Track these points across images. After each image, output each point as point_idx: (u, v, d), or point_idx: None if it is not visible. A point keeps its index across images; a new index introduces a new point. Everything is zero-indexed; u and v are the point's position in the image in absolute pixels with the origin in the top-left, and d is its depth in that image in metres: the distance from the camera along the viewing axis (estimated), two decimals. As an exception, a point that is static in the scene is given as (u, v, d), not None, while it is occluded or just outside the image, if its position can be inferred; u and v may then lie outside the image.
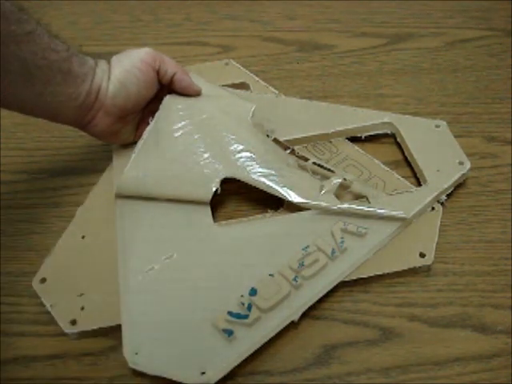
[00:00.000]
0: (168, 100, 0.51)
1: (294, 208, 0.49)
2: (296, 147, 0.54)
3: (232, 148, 0.49)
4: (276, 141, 0.53)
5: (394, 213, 0.47)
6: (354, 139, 0.56)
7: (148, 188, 0.49)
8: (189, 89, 0.51)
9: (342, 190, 0.48)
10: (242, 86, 0.62)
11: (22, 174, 0.55)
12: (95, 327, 0.42)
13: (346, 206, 0.47)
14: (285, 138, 0.54)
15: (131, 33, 0.73)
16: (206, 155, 0.49)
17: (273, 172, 0.48)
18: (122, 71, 0.48)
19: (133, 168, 0.49)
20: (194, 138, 0.50)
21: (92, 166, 0.55)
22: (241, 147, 0.49)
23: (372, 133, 0.56)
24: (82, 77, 0.47)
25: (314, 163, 0.51)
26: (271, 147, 0.51)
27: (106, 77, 0.48)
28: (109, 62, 0.49)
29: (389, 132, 0.56)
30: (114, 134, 0.51)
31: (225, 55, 0.68)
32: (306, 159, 0.51)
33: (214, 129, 0.50)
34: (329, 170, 0.50)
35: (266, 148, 0.50)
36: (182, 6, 0.76)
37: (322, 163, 0.51)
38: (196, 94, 0.52)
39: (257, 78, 0.62)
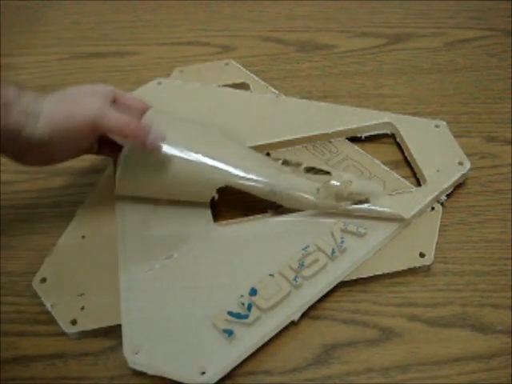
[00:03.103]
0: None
1: (294, 208, 0.49)
2: (296, 147, 0.54)
3: (225, 155, 0.48)
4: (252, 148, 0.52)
5: (393, 213, 0.47)
6: (354, 139, 0.55)
7: (146, 189, 0.49)
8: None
9: (342, 191, 0.48)
10: (242, 86, 0.62)
11: (22, 174, 0.55)
12: (95, 327, 0.42)
13: (345, 206, 0.47)
14: (285, 138, 0.54)
15: (131, 33, 0.73)
16: (201, 160, 0.47)
17: (269, 179, 0.48)
18: (55, 130, 0.42)
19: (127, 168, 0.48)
20: (184, 143, 0.48)
21: (92, 166, 0.55)
22: (233, 156, 0.48)
23: (372, 133, 0.56)
24: None
25: (307, 168, 0.51)
26: (262, 157, 0.51)
27: (30, 125, 0.41)
28: (42, 98, 0.43)
29: (389, 132, 0.56)
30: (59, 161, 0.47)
31: (225, 55, 0.68)
32: (299, 164, 0.51)
33: (203, 138, 0.49)
34: (324, 171, 0.50)
35: (258, 157, 0.50)
36: (182, 6, 0.76)
37: (316, 166, 0.51)
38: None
39: (257, 78, 0.62)
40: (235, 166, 0.47)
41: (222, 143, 0.50)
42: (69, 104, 0.43)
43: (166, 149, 0.46)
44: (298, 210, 0.48)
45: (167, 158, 0.47)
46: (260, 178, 0.48)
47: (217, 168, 0.47)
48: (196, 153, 0.47)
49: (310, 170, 0.51)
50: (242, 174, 0.47)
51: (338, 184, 0.47)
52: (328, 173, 0.50)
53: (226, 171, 0.47)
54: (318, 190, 0.47)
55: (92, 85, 0.46)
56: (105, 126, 0.44)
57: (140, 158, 0.47)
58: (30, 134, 0.42)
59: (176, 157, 0.47)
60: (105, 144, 0.49)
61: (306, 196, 0.47)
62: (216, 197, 0.48)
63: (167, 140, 0.46)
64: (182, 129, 0.50)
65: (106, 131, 0.45)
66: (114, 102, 0.46)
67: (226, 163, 0.47)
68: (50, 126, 0.42)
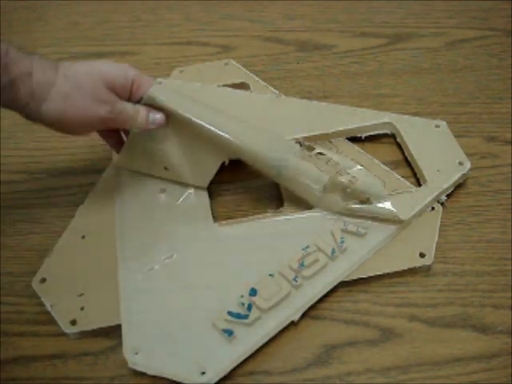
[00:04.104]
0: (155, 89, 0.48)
1: (294, 208, 0.49)
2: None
3: (236, 127, 0.49)
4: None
5: (391, 214, 0.47)
6: (354, 139, 0.55)
7: (148, 162, 0.50)
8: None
9: (347, 187, 0.47)
10: (242, 85, 0.62)
11: (22, 174, 0.55)
12: (95, 327, 0.42)
13: (346, 204, 0.47)
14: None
15: (131, 33, 0.73)
16: (212, 128, 0.48)
17: (278, 159, 0.48)
18: (70, 99, 0.43)
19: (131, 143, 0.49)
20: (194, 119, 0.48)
21: (92, 166, 0.55)
22: (245, 129, 0.49)
23: (372, 133, 0.56)
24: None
25: (320, 153, 0.50)
26: (275, 136, 0.51)
27: (33, 106, 0.42)
28: (51, 83, 0.42)
29: (389, 132, 0.56)
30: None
31: (225, 55, 0.68)
32: (312, 148, 0.51)
33: (214, 111, 0.50)
34: (334, 160, 0.50)
35: (271, 135, 0.50)
36: (182, 6, 0.76)
37: (327, 152, 0.50)
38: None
39: (257, 78, 0.62)
40: (245, 139, 0.48)
41: (234, 118, 0.50)
42: (79, 103, 0.43)
43: (177, 118, 0.47)
44: (298, 210, 0.48)
45: (178, 126, 0.48)
46: (269, 156, 0.48)
47: (226, 138, 0.47)
48: (207, 122, 0.48)
49: (323, 156, 0.51)
50: (251, 147, 0.48)
51: (344, 181, 0.46)
52: (337, 163, 0.49)
53: (235, 143, 0.47)
54: (324, 182, 0.47)
55: (110, 68, 0.45)
56: (113, 125, 0.46)
57: (146, 139, 0.49)
58: (33, 114, 0.42)
59: (188, 123, 0.47)
60: (119, 140, 0.51)
61: (311, 185, 0.47)
62: (227, 162, 0.49)
63: (182, 109, 0.47)
64: (195, 102, 0.50)
65: (114, 127, 0.47)
66: (130, 89, 0.46)
67: (237, 135, 0.48)
68: (54, 117, 0.43)
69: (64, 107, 0.43)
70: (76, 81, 0.43)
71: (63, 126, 0.44)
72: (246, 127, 0.49)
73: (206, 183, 0.50)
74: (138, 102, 0.47)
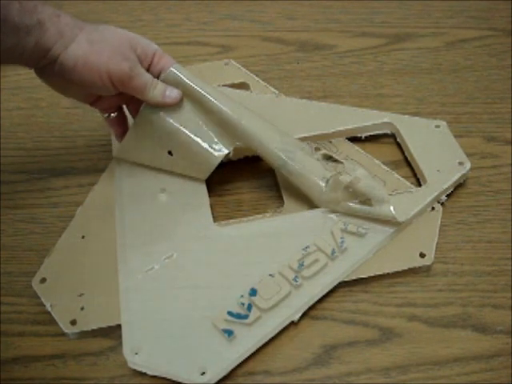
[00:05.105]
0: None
1: (294, 208, 0.49)
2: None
3: (246, 116, 0.49)
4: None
5: (389, 216, 0.46)
6: (354, 139, 0.55)
7: (147, 153, 0.50)
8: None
9: (349, 186, 0.47)
10: (242, 85, 0.62)
11: (22, 174, 0.55)
12: (95, 327, 0.42)
13: (347, 203, 0.47)
14: (285, 138, 0.54)
15: (131, 33, 0.73)
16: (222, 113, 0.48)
17: (285, 152, 0.48)
18: (92, 59, 0.43)
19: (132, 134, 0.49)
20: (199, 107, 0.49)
21: (92, 166, 0.55)
22: (254, 119, 0.49)
23: (372, 133, 0.56)
24: (25, 29, 0.40)
25: (325, 154, 0.51)
26: (283, 131, 0.51)
27: (61, 46, 0.42)
28: (80, 28, 0.44)
29: (389, 132, 0.56)
30: (68, 91, 0.47)
31: (225, 55, 0.68)
32: (318, 149, 0.52)
33: (225, 98, 0.50)
34: (339, 162, 0.50)
35: (282, 131, 0.51)
36: (182, 6, 0.76)
37: (333, 155, 0.51)
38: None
39: (257, 78, 0.62)
40: (256, 126, 0.48)
41: (243, 107, 0.50)
42: (104, 51, 0.44)
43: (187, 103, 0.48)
44: (298, 209, 0.48)
45: (190, 106, 0.48)
46: (278, 146, 0.48)
47: (238, 121, 0.48)
48: (221, 103, 0.48)
49: (328, 157, 0.51)
50: (261, 134, 0.48)
51: (347, 179, 0.47)
52: (341, 163, 0.50)
53: (243, 130, 0.48)
54: (328, 179, 0.48)
55: (136, 35, 0.47)
56: (129, 86, 0.45)
57: (155, 117, 0.49)
58: (57, 55, 0.43)
59: (203, 103, 0.48)
60: (122, 120, 0.51)
61: (315, 181, 0.48)
62: (231, 153, 0.49)
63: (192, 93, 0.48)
64: (211, 87, 0.50)
65: (129, 91, 0.46)
66: (151, 61, 0.47)
67: (249, 120, 0.48)
68: (78, 59, 0.43)
69: (89, 51, 0.43)
70: (104, 32, 0.45)
71: (83, 74, 0.44)
72: (258, 117, 0.50)
73: (206, 175, 0.50)
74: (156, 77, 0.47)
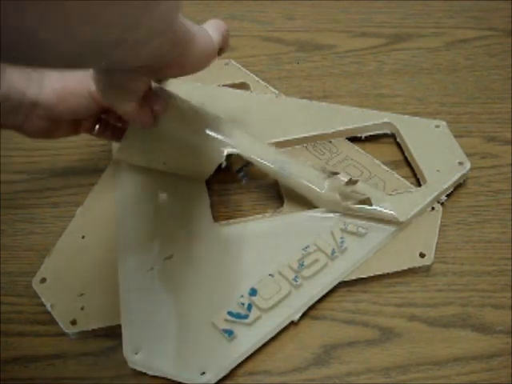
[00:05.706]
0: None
1: (294, 208, 0.49)
2: (296, 147, 0.54)
3: (237, 130, 0.49)
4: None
5: (390, 216, 0.47)
6: (354, 139, 0.55)
7: (146, 154, 0.49)
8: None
9: (347, 187, 0.47)
10: (242, 85, 0.62)
11: (22, 174, 0.55)
12: (95, 327, 0.42)
13: (346, 204, 0.47)
14: (285, 138, 0.54)
15: (131, 33, 0.73)
16: (206, 131, 0.47)
17: (279, 160, 0.48)
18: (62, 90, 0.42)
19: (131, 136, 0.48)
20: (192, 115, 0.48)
21: (92, 165, 0.55)
22: (243, 132, 0.49)
23: (372, 133, 0.56)
24: None
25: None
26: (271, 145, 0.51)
27: (35, 87, 0.42)
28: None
29: (389, 132, 0.56)
30: (51, 134, 0.46)
31: (225, 55, 0.67)
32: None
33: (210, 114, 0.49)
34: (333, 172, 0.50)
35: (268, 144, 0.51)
36: (182, 6, 0.76)
37: (325, 166, 0.51)
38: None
39: (257, 78, 0.62)
40: (248, 137, 0.48)
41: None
42: (76, 75, 0.43)
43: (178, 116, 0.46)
44: (298, 209, 0.48)
45: (178, 119, 0.47)
46: (271, 155, 0.48)
47: (230, 134, 0.47)
48: (209, 121, 0.47)
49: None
50: (253, 146, 0.48)
51: (345, 180, 0.47)
52: (337, 173, 0.50)
53: (238, 139, 0.48)
54: (325, 181, 0.48)
55: None
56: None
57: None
58: (36, 95, 0.41)
59: (190, 121, 0.47)
60: (106, 127, 0.49)
61: (312, 181, 0.48)
62: (224, 164, 0.47)
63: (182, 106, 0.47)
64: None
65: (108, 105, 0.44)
66: None
67: (240, 133, 0.48)
68: (58, 91, 0.42)
69: (64, 80, 0.42)
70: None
71: (68, 102, 0.42)
72: (248, 135, 0.49)
73: (205, 177, 0.50)
74: None
